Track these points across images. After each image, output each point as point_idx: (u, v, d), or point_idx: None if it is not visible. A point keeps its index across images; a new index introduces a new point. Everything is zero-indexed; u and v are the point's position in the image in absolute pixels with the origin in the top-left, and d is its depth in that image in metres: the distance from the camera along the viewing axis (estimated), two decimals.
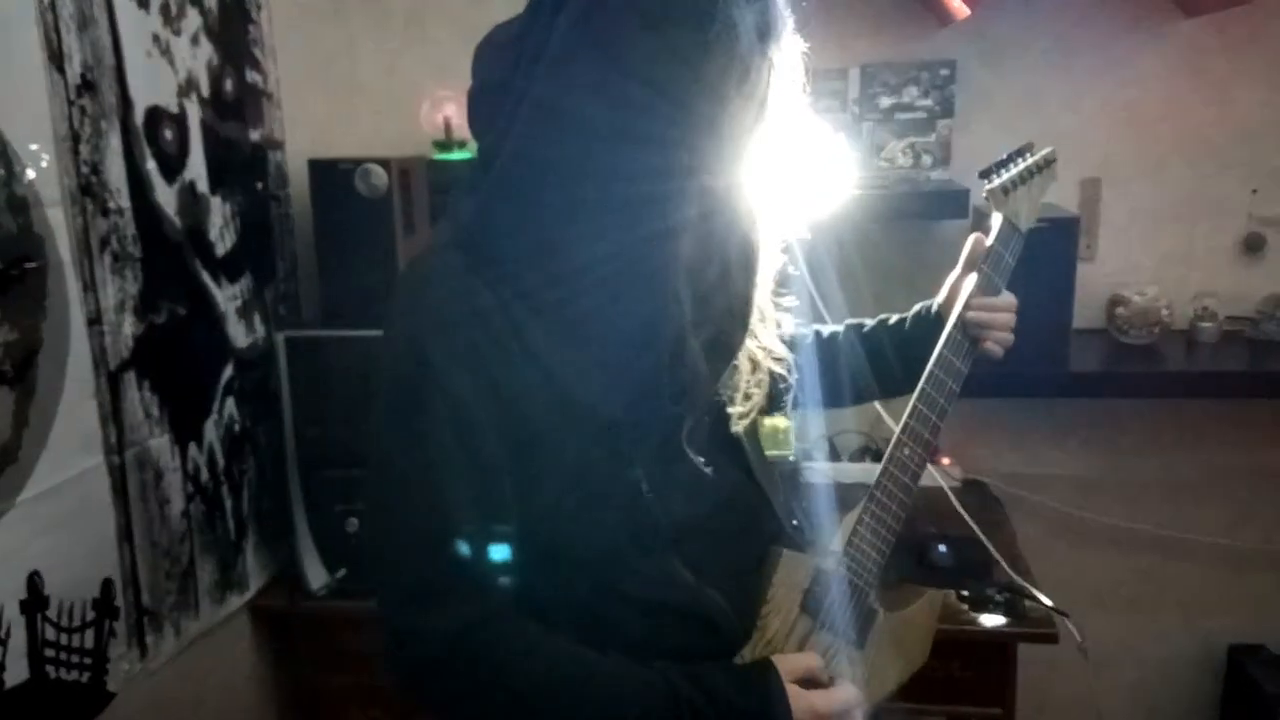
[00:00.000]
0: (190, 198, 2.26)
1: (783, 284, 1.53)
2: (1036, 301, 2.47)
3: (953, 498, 2.56)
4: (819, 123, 2.46)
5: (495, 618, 1.31)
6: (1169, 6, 2.68)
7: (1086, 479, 2.95)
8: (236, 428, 2.45)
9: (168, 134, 2.18)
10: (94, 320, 1.95)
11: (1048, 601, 2.27)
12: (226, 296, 2.40)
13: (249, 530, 2.51)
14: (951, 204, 2.54)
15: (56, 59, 1.86)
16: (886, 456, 1.58)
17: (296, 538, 2.51)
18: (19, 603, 1.77)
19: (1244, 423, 2.87)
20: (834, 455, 2.88)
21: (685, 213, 1.29)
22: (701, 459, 1.41)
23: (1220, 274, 2.82)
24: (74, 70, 1.90)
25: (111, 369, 1.99)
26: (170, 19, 2.19)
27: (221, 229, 2.39)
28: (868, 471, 1.60)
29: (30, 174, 1.79)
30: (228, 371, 2.41)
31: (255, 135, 2.59)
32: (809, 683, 1.41)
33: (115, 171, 2.01)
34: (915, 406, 1.59)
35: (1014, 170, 1.68)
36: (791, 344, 1.67)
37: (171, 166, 2.19)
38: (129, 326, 2.05)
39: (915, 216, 2.67)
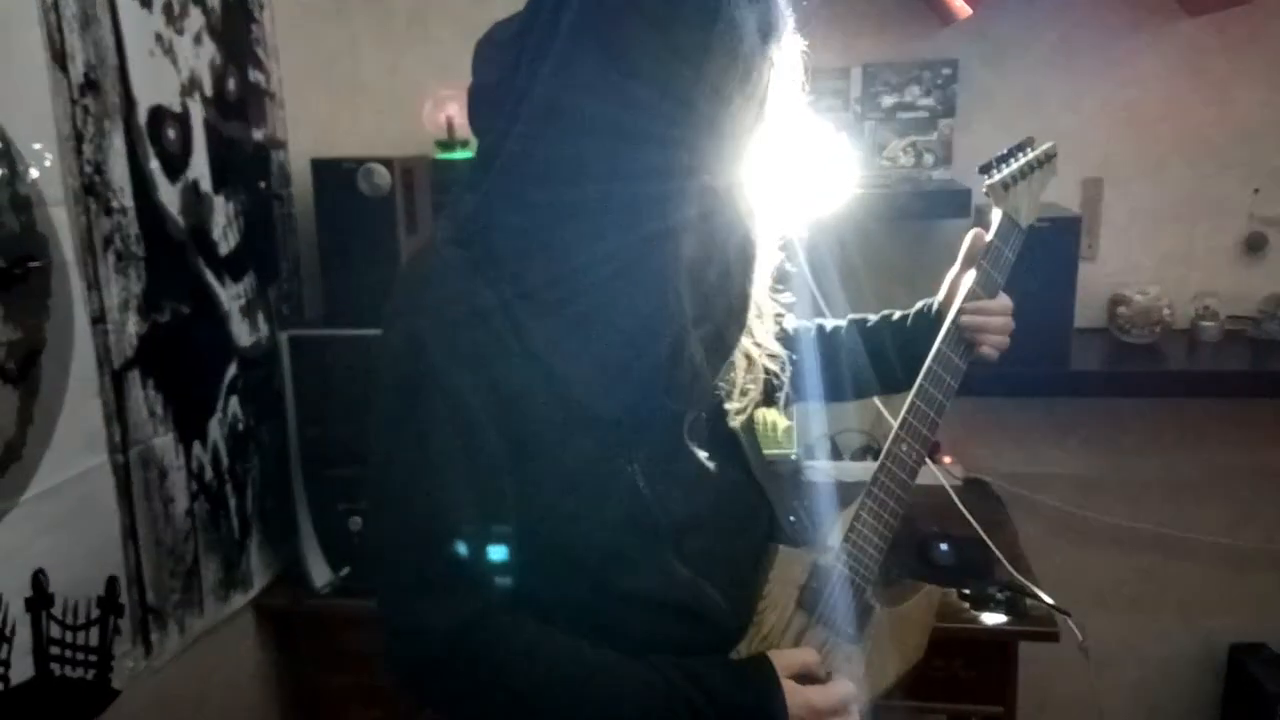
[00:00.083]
0: (193, 197, 2.26)
1: (781, 281, 1.53)
2: (1038, 301, 2.48)
3: (954, 496, 2.56)
4: (821, 122, 2.48)
5: (494, 615, 1.31)
6: (1170, 6, 2.68)
7: (1088, 478, 2.95)
8: (240, 426, 2.46)
9: (171, 133, 2.18)
10: (98, 319, 1.95)
11: (1049, 600, 2.27)
12: (230, 296, 2.41)
13: (253, 529, 2.52)
14: (953, 203, 2.54)
15: (59, 58, 1.86)
16: (884, 452, 1.59)
17: (300, 536, 2.51)
18: (24, 600, 1.78)
19: (1245, 422, 2.87)
20: (836, 454, 2.89)
21: (687, 212, 1.29)
22: (704, 453, 1.41)
23: (1221, 274, 2.82)
24: (77, 70, 1.90)
25: (115, 368, 2.00)
26: (173, 18, 2.20)
27: (225, 228, 2.40)
28: (869, 470, 1.59)
29: (34, 173, 1.80)
30: (231, 370, 2.42)
31: (258, 134, 2.59)
32: (805, 678, 1.41)
33: (118, 171, 2.02)
34: (913, 403, 1.59)
35: (1014, 165, 1.67)
36: (792, 338, 1.67)
37: (175, 166, 2.20)
38: (132, 325, 2.05)
39: (917, 216, 2.68)
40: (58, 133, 1.86)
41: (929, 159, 2.76)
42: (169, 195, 2.17)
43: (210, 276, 2.33)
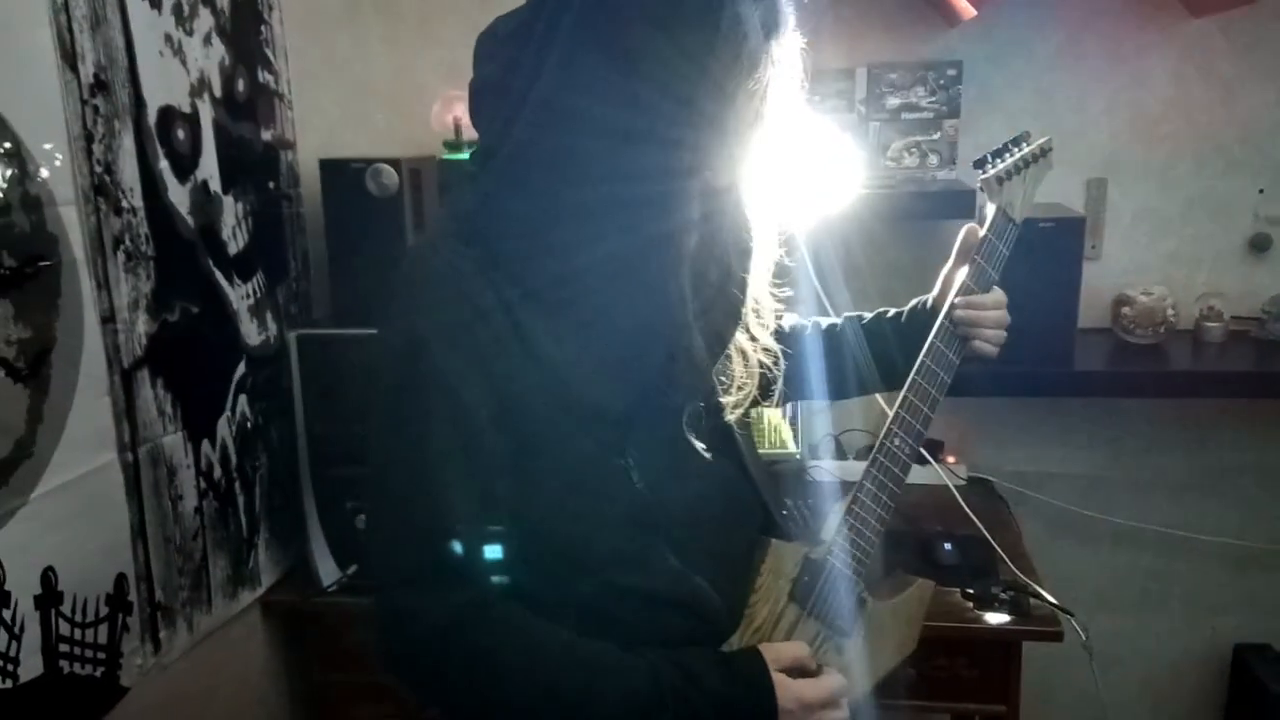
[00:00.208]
0: (203, 197, 2.27)
1: (779, 276, 1.54)
2: (1042, 301, 2.51)
3: (958, 496, 2.57)
4: (826, 123, 2.49)
5: (485, 605, 1.32)
6: (1175, 7, 2.68)
7: (1092, 478, 2.96)
8: (249, 425, 2.47)
9: (180, 134, 2.20)
10: (107, 318, 1.96)
11: (1052, 600, 2.28)
12: (239, 295, 2.42)
13: (261, 526, 2.53)
14: (957, 204, 2.55)
15: (70, 59, 1.87)
16: (876, 447, 1.59)
17: (308, 534, 2.52)
18: (33, 598, 1.79)
19: (1250, 422, 2.88)
20: (840, 453, 2.89)
21: (689, 213, 1.30)
22: (702, 445, 1.42)
23: (1226, 274, 2.83)
24: (87, 70, 1.91)
25: (125, 367, 2.01)
26: (183, 19, 2.21)
27: (234, 228, 2.41)
28: None
29: (44, 173, 1.81)
30: (240, 369, 2.43)
31: (267, 135, 2.60)
32: (796, 671, 1.42)
33: (128, 171, 2.02)
34: (906, 397, 1.60)
35: (1009, 160, 1.67)
36: (788, 336, 1.68)
37: (184, 166, 2.21)
38: (142, 325, 2.06)
39: (921, 216, 2.69)
40: (68, 133, 1.87)
41: (934, 160, 2.77)
42: (178, 195, 2.18)
43: (219, 276, 2.34)
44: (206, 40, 2.31)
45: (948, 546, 2.45)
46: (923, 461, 2.62)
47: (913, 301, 1.77)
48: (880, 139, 2.80)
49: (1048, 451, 2.97)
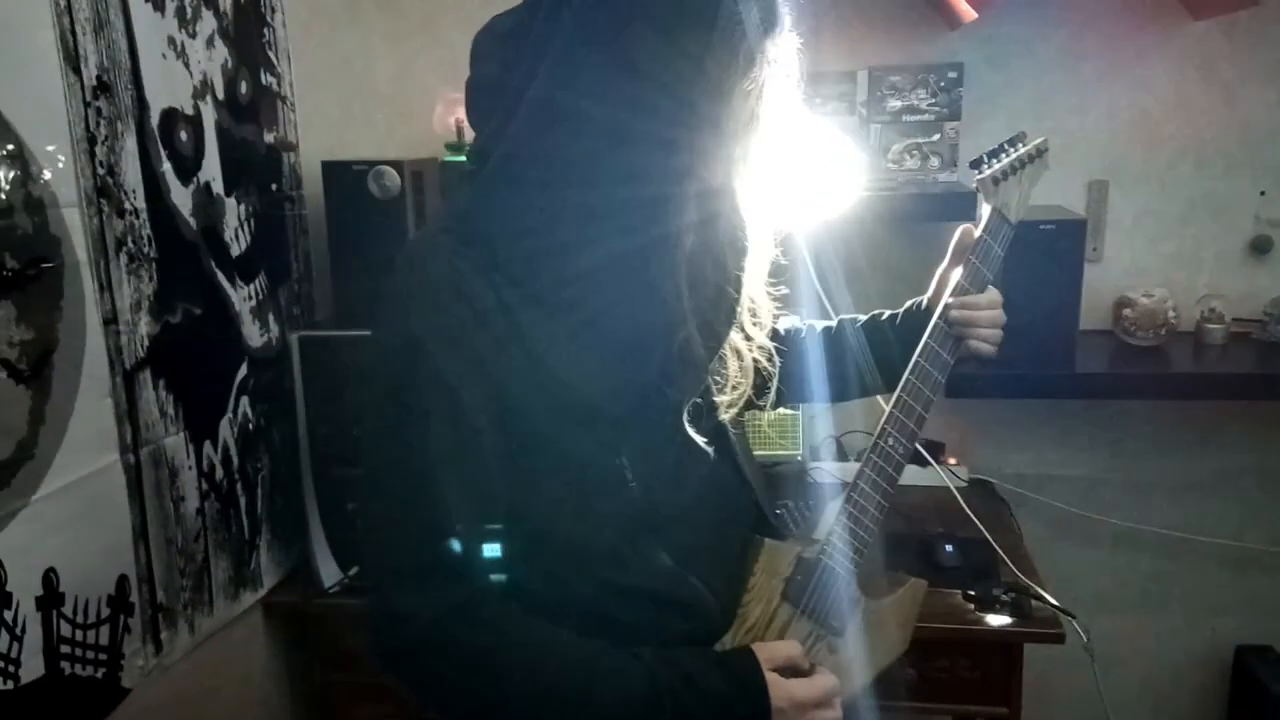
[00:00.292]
0: (205, 199, 2.28)
1: (774, 275, 1.53)
2: (1043, 303, 2.51)
3: (959, 498, 2.57)
4: (827, 125, 2.49)
5: (478, 603, 1.32)
6: (1176, 9, 2.69)
7: (1093, 479, 2.96)
8: (251, 427, 2.47)
9: (183, 135, 2.20)
10: (109, 320, 1.96)
11: (1054, 601, 2.28)
12: (241, 297, 2.42)
13: (263, 528, 2.53)
14: (958, 206, 2.54)
15: (73, 61, 1.87)
16: (870, 447, 1.60)
17: (310, 535, 2.53)
18: (35, 599, 1.79)
19: (1251, 424, 2.88)
20: (841, 455, 2.90)
21: (687, 214, 1.30)
22: (703, 439, 1.42)
23: (1228, 276, 2.83)
24: (90, 72, 1.91)
25: (127, 368, 2.01)
26: (186, 21, 2.21)
27: (236, 230, 2.41)
28: None
29: (46, 175, 1.81)
30: (242, 371, 2.43)
31: (270, 137, 2.60)
32: (789, 670, 1.41)
33: (131, 173, 2.03)
34: (900, 397, 1.60)
35: (1004, 160, 1.67)
36: (785, 338, 1.68)
37: (187, 168, 2.21)
38: (144, 326, 2.06)
39: (922, 219, 2.69)
40: (70, 135, 1.87)
41: (935, 162, 2.77)
42: (181, 197, 2.19)
43: (221, 278, 2.34)
44: (209, 42, 2.31)
45: (949, 548, 2.45)
46: (922, 462, 2.62)
47: (908, 303, 1.77)
48: (881, 141, 2.80)
49: (1049, 453, 2.97)
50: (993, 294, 1.65)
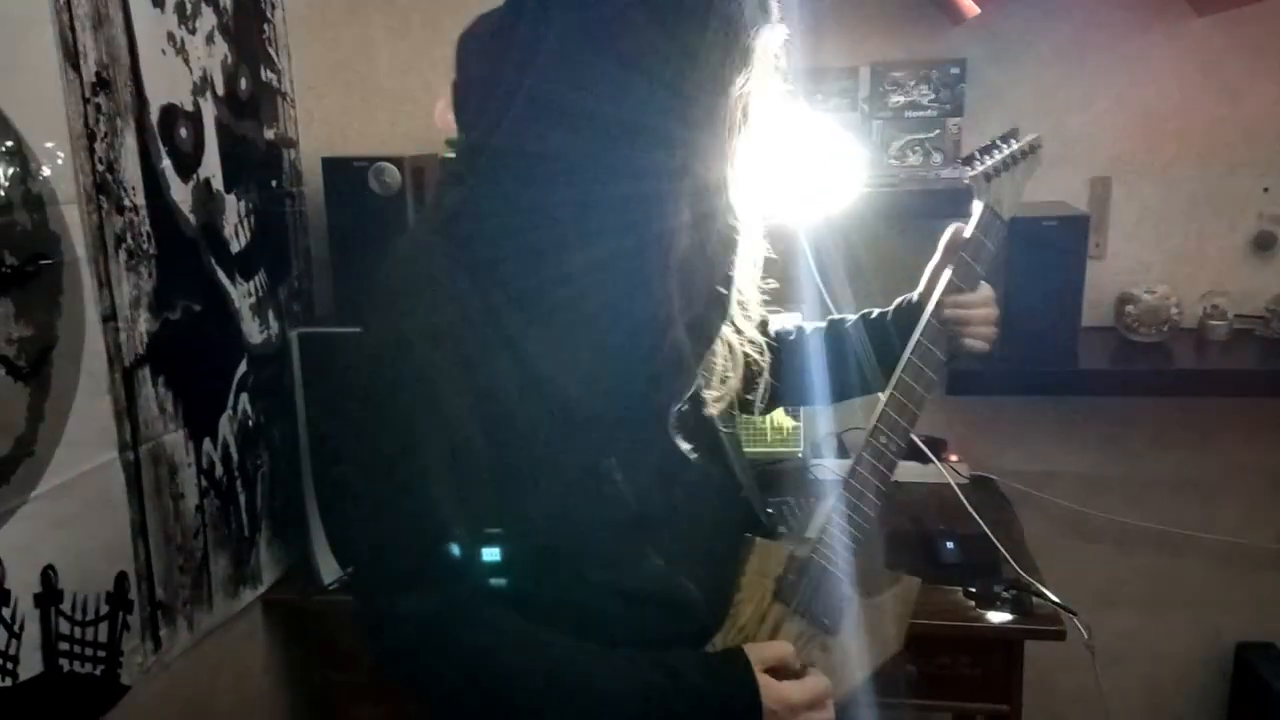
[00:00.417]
0: (205, 195, 2.27)
1: (764, 268, 1.52)
2: (1046, 299, 2.51)
3: (960, 495, 2.56)
4: (829, 121, 2.48)
5: (468, 604, 1.32)
6: (1180, 5, 2.68)
7: (1095, 476, 2.96)
8: (250, 424, 2.47)
9: (183, 132, 2.20)
10: (109, 317, 1.96)
11: (1055, 599, 2.27)
12: (241, 293, 2.42)
13: (262, 525, 2.53)
14: (961, 202, 2.52)
15: (72, 57, 1.87)
16: (863, 445, 1.59)
17: (309, 532, 2.52)
18: (33, 596, 1.79)
19: (1253, 421, 2.87)
20: (842, 452, 2.89)
21: (683, 213, 1.29)
22: (688, 445, 1.41)
23: (1230, 272, 2.82)
24: (89, 68, 1.91)
25: (126, 365, 2.01)
26: (185, 17, 2.21)
27: (236, 226, 2.41)
28: None
29: (46, 171, 1.81)
30: (242, 368, 2.43)
31: (270, 133, 2.60)
32: (781, 670, 1.41)
33: (130, 169, 2.02)
34: (893, 395, 1.59)
35: (997, 157, 1.66)
36: (777, 340, 1.68)
37: (186, 164, 2.21)
38: (144, 323, 2.06)
39: (924, 215, 2.67)
40: (70, 131, 1.87)
41: (937, 158, 2.77)
42: (181, 194, 2.18)
43: (221, 274, 2.34)
44: (209, 39, 2.31)
45: (950, 545, 2.44)
46: (924, 459, 2.61)
47: (897, 300, 1.76)
48: (883, 137, 2.79)
49: (1051, 450, 2.97)
50: (986, 291, 1.65)
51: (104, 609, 1.96)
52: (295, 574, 2.62)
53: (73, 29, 1.87)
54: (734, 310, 1.45)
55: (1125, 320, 2.75)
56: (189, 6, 2.22)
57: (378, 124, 2.97)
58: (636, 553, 1.38)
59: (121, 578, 2.01)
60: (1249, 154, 2.76)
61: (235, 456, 2.40)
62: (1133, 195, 2.82)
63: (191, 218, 2.22)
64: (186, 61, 2.22)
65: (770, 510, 1.59)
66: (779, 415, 2.80)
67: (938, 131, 2.76)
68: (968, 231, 1.65)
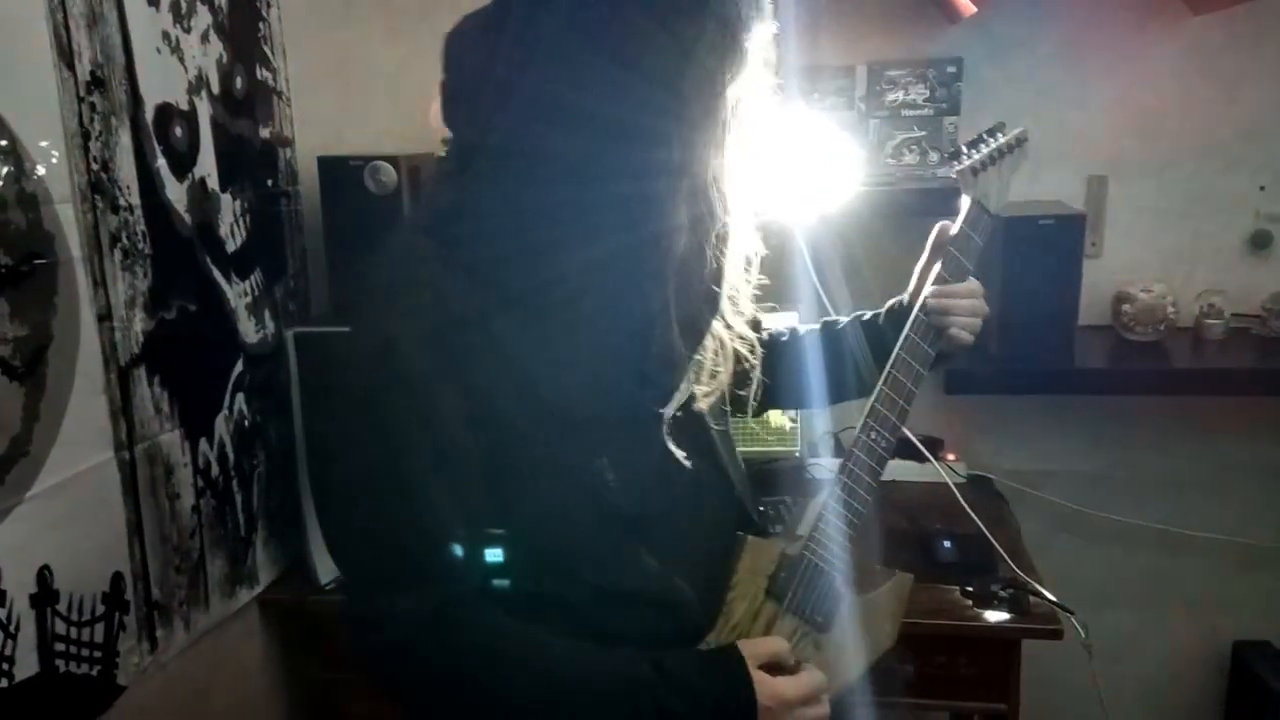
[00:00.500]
0: (200, 194, 2.27)
1: (755, 264, 1.52)
2: (1042, 298, 2.51)
3: (957, 493, 2.56)
4: (825, 120, 2.48)
5: (459, 604, 1.31)
6: (1176, 4, 2.68)
7: (1092, 475, 2.96)
8: (246, 423, 2.47)
9: (178, 131, 2.19)
10: (104, 316, 1.96)
11: (1052, 598, 2.27)
12: (236, 293, 2.41)
13: (259, 524, 2.53)
14: (957, 201, 2.54)
15: (66, 56, 1.87)
16: (853, 441, 1.59)
17: (306, 532, 2.52)
18: (29, 597, 1.78)
19: (1250, 420, 2.88)
20: (839, 451, 2.89)
21: (681, 212, 1.29)
22: (681, 453, 1.41)
23: (1227, 271, 2.82)
24: (84, 67, 1.91)
25: (122, 365, 2.01)
26: (180, 16, 2.20)
27: (231, 226, 2.40)
28: None
29: (40, 171, 1.80)
30: (238, 367, 2.43)
31: (265, 132, 2.60)
32: (775, 667, 1.41)
33: (125, 168, 2.02)
34: (882, 391, 1.60)
35: (983, 151, 1.67)
36: (770, 343, 1.68)
37: (182, 163, 2.21)
38: (139, 323, 2.06)
39: (921, 213, 2.66)
40: (64, 130, 1.86)
41: (933, 157, 2.77)
42: (176, 193, 2.18)
43: (217, 274, 2.33)
44: (204, 37, 2.30)
45: (947, 544, 2.44)
46: (921, 458, 2.61)
47: (889, 301, 1.77)
48: (880, 136, 2.80)
49: (1048, 449, 2.97)
50: (972, 284, 1.66)
51: (100, 609, 1.96)
52: (292, 574, 2.62)
53: (67, 28, 1.87)
54: (725, 306, 1.45)
55: (1122, 319, 2.75)
56: (184, 5, 2.21)
57: (374, 123, 2.97)
58: (629, 552, 1.38)
59: (117, 578, 2.01)
60: (1245, 152, 2.76)
61: (231, 456, 2.40)
62: (1129, 194, 2.82)
63: (187, 217, 2.21)
64: (181, 60, 2.22)
65: (763, 509, 1.59)
66: (775, 415, 2.80)
67: (934, 130, 2.76)
68: (955, 227, 1.65)
